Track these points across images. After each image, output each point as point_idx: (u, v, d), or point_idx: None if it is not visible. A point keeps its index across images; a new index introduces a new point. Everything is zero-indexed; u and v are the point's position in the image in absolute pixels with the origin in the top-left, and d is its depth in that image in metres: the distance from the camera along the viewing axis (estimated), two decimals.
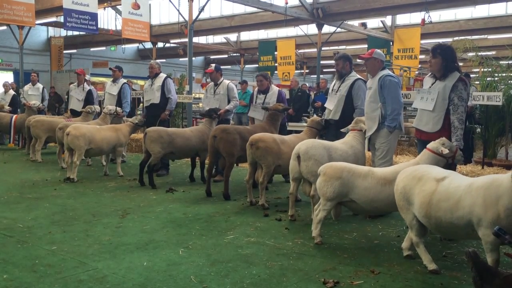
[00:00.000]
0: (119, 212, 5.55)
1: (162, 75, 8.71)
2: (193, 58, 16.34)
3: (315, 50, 19.69)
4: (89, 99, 10.54)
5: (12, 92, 13.70)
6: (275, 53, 18.89)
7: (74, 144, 7.55)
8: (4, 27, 18.52)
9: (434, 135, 4.68)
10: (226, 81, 8.15)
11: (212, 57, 32.15)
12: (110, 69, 9.98)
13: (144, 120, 8.47)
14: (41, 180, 7.64)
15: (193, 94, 13.63)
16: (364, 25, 19.12)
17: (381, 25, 21.22)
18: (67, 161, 7.75)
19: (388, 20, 20.86)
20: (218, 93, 8.02)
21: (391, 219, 5.38)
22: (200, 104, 15.53)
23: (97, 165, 9.37)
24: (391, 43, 18.96)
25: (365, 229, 4.99)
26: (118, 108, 9.24)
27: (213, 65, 8.27)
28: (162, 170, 8.32)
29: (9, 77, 24.34)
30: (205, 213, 5.59)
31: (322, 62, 19.89)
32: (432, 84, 4.97)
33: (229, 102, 7.97)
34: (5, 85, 13.88)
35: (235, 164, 6.77)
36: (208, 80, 8.96)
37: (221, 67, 8.54)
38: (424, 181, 3.65)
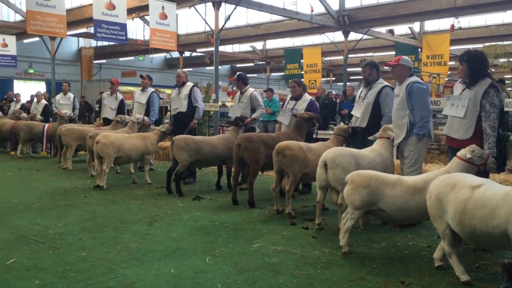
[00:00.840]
0: (147, 220, 5.61)
1: (189, 84, 8.82)
2: (220, 67, 16.49)
3: (341, 57, 19.61)
4: (121, 108, 10.74)
5: (44, 101, 14.09)
6: (301, 61, 18.88)
7: (104, 152, 7.69)
8: (37, 39, 19.10)
9: (465, 143, 4.57)
10: (250, 90, 8.20)
11: (238, 65, 32.39)
12: (141, 76, 10.13)
13: (171, 128, 8.57)
14: (71, 187, 7.80)
15: (219, 103, 13.71)
16: (391, 31, 18.94)
17: (409, 31, 20.98)
18: (97, 169, 7.89)
19: (416, 26, 20.61)
20: (242, 101, 8.11)
21: (422, 228, 5.27)
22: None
23: (126, 173, 9.51)
24: (419, 49, 18.70)
25: (394, 239, 4.90)
26: (146, 118, 9.39)
27: (238, 73, 8.36)
28: (189, 178, 8.38)
29: (41, 87, 25.06)
30: (232, 221, 5.60)
31: (348, 69, 19.77)
32: (462, 91, 4.87)
33: (253, 110, 8.01)
34: (37, 95, 14.29)
35: (260, 172, 6.76)
36: (235, 88, 9.03)
37: (247, 75, 8.59)
38: (458, 188, 3.56)
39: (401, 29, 21.06)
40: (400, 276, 3.76)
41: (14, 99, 15.99)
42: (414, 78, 5.51)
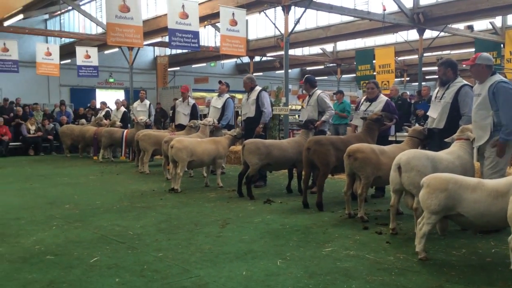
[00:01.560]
0: (219, 222, 5.74)
1: (258, 89, 8.90)
2: (289, 70, 16.50)
3: (416, 56, 18.90)
4: (194, 113, 11.10)
5: (123, 109, 14.88)
6: (373, 61, 18.46)
7: (178, 156, 7.96)
8: (116, 49, 20.19)
9: None
10: (318, 92, 8.11)
11: (308, 68, 32.24)
12: (220, 82, 10.36)
13: (242, 132, 8.71)
14: (148, 190, 8.16)
15: (290, 106, 13.74)
16: (470, 27, 18.00)
17: (489, 26, 19.80)
18: (172, 172, 8.19)
19: (497, 21, 19.41)
20: (310, 104, 8.07)
21: (506, 235, 4.90)
22: (296, 116, 15.64)
23: (199, 176, 9.79)
24: (502, 45, 17.61)
25: (475, 246, 4.65)
26: (215, 120, 9.64)
27: (306, 76, 8.35)
28: (260, 181, 8.47)
29: (121, 95, 26.51)
30: (303, 224, 5.59)
31: (424, 68, 19.05)
32: None
33: (321, 113, 7.93)
34: (117, 103, 15.14)
35: (330, 175, 6.69)
36: (305, 91, 9.00)
37: (318, 78, 8.53)
38: None
39: (481, 25, 19.92)
40: (482, 285, 3.57)
41: (100, 108, 16.98)
42: (498, 77, 5.17)
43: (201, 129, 9.54)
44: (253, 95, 8.79)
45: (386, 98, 7.50)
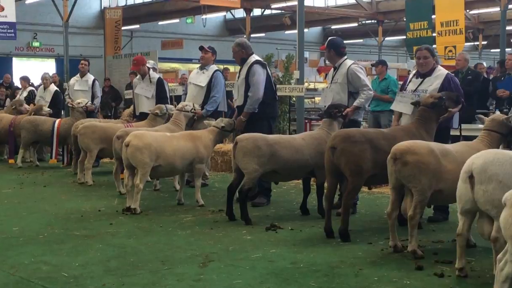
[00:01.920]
0: (198, 258, 5.75)
1: (251, 60, 8.79)
2: (306, 30, 16.52)
3: (497, 9, 18.95)
4: (161, 91, 10.89)
5: (54, 87, 14.78)
6: (433, 17, 18.50)
7: (136, 159, 7.94)
8: None
9: None
10: (347, 63, 8.04)
11: (333, 27, 32.34)
12: (201, 48, 10.20)
13: (234, 123, 8.63)
14: (92, 210, 8.16)
15: (306, 84, 13.75)
16: None
17: None
18: (127, 183, 8.19)
19: None
20: (336, 81, 8.03)
21: None
22: (316, 99, 15.66)
23: (168, 190, 9.81)
24: None
25: None
26: (197, 106, 9.53)
27: (329, 39, 8.30)
28: (260, 197, 8.50)
29: (50, 66, 26.49)
30: (325, 262, 5.61)
31: (509, 28, 19.07)
32: None
33: (351, 95, 7.89)
34: (44, 78, 14.80)
35: (367, 188, 6.70)
36: (328, 62, 8.98)
37: (348, 42, 8.56)
38: None
39: None
40: None
41: (20, 87, 16.89)
42: None
43: (174, 118, 9.49)
44: (243, 72, 8.74)
45: (446, 71, 7.49)
